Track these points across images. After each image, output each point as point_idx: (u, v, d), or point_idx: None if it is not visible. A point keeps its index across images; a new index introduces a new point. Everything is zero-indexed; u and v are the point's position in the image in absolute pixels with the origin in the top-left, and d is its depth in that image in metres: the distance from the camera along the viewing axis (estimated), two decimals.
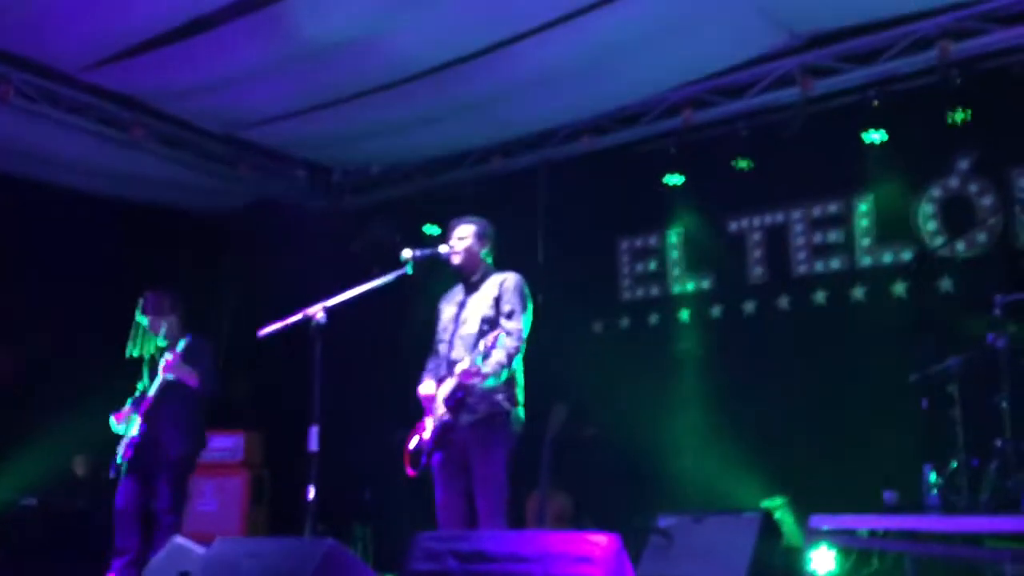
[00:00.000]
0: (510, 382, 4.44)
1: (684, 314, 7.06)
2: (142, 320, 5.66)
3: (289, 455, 5.23)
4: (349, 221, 8.33)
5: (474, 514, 4.37)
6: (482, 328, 4.42)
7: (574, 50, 6.08)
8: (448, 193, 7.74)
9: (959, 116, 5.84)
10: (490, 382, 4.32)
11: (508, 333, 4.29)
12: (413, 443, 4.49)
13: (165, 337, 5.60)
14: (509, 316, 4.44)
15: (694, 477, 6.39)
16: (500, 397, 4.40)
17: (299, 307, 4.26)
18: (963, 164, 6.06)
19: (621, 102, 6.94)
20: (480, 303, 4.53)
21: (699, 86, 6.69)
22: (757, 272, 6.82)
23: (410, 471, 4.48)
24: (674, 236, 7.20)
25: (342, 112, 6.93)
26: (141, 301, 5.67)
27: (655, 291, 7.24)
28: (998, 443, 4.82)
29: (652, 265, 7.29)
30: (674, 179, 6.93)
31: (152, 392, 5.47)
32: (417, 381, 4.64)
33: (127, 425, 5.48)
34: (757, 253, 6.83)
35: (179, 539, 4.59)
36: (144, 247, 7.80)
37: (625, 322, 7.33)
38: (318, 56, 6.13)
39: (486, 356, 4.24)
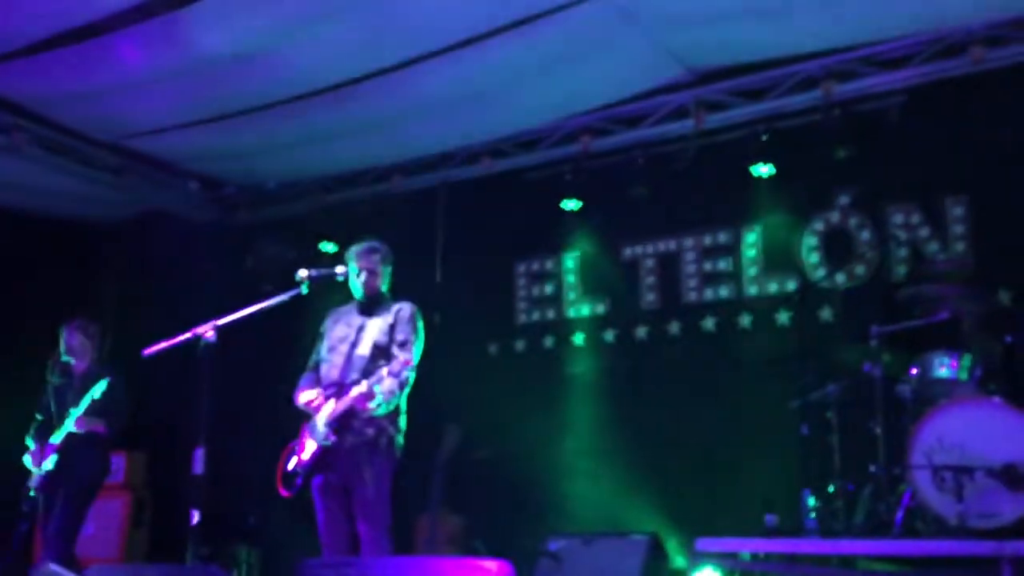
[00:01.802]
0: (396, 409, 4.47)
1: (579, 338, 7.13)
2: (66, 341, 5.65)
3: (172, 477, 5.07)
4: (242, 236, 8.14)
5: (356, 537, 4.32)
6: (373, 353, 4.45)
7: (474, 74, 6.13)
8: (346, 211, 7.65)
9: (840, 153, 6.11)
10: (381, 409, 4.35)
11: (401, 363, 4.30)
12: (291, 464, 4.42)
13: (82, 361, 5.63)
14: (402, 345, 4.47)
15: (584, 500, 6.45)
16: (385, 422, 4.43)
17: (187, 322, 4.13)
18: (843, 199, 6.33)
19: (520, 127, 7.02)
20: (374, 329, 4.54)
21: (597, 114, 6.83)
22: (650, 298, 6.96)
23: (284, 492, 4.44)
24: (570, 260, 7.28)
25: (237, 125, 6.79)
26: (68, 323, 5.70)
27: (551, 314, 7.29)
28: (872, 468, 5.02)
29: (548, 289, 7.34)
30: (571, 204, 7.03)
31: (66, 427, 5.43)
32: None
33: (45, 463, 5.46)
34: (650, 280, 6.97)
35: (52, 566, 4.40)
36: (26, 257, 7.45)
37: (520, 345, 7.36)
38: (214, 68, 6.00)
39: (380, 382, 4.24)
